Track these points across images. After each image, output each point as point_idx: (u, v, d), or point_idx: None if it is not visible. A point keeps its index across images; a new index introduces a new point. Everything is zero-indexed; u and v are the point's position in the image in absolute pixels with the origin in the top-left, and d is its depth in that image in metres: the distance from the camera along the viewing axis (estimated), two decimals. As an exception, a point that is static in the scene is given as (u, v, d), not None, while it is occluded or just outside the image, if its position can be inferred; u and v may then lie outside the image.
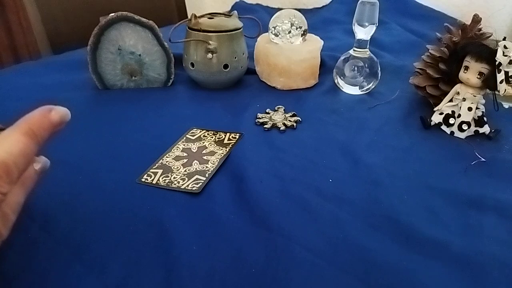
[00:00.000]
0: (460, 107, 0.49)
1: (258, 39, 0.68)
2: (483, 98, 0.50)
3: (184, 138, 0.49)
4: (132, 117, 0.54)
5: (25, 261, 0.30)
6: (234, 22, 0.62)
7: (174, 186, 0.39)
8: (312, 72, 0.66)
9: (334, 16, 1.12)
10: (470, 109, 0.49)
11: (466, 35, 0.54)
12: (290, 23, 0.63)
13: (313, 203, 0.37)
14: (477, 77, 0.47)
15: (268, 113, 0.55)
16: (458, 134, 0.50)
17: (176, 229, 0.33)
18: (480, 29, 0.54)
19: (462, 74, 0.49)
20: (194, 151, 0.46)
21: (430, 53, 0.56)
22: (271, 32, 0.65)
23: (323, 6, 1.23)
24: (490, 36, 0.53)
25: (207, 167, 0.43)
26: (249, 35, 0.66)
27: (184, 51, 0.63)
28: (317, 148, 0.47)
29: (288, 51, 0.63)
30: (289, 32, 0.63)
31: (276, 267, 0.30)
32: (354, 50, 0.61)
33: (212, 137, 0.49)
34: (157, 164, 0.43)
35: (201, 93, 0.63)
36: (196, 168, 0.42)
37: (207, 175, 0.41)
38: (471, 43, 0.49)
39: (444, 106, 0.51)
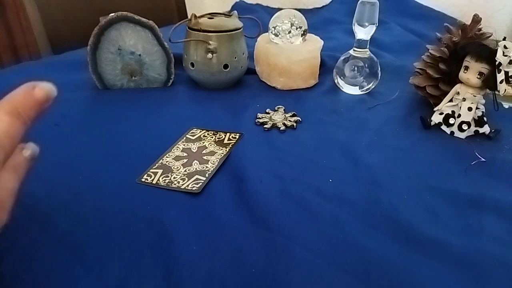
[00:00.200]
0: (460, 107, 0.49)
1: (258, 39, 0.68)
2: (483, 98, 0.50)
3: (184, 138, 0.49)
4: (132, 117, 0.54)
5: (25, 261, 0.30)
6: (234, 22, 0.62)
7: (174, 186, 0.39)
8: (312, 72, 0.66)
9: (334, 16, 1.12)
10: (470, 109, 0.49)
11: (466, 35, 0.54)
12: (290, 23, 0.63)
13: (313, 203, 0.37)
14: (477, 77, 0.47)
15: (268, 113, 0.55)
16: (458, 134, 0.50)
17: (176, 229, 0.33)
18: (480, 29, 0.54)
19: (462, 74, 0.49)
20: (194, 151, 0.46)
21: (430, 53, 0.56)
22: (271, 32, 0.65)
23: (323, 6, 1.23)
24: (490, 36, 0.53)
25: (207, 167, 0.43)
26: (249, 35, 0.66)
27: (184, 51, 0.63)
28: (317, 148, 0.47)
29: (288, 51, 0.63)
30: (289, 32, 0.63)
31: (276, 267, 0.30)
32: (354, 50, 0.61)
33: (212, 137, 0.49)
34: (157, 164, 0.43)
35: (201, 93, 0.63)
36: (196, 168, 0.42)
37: (207, 175, 0.41)
38: (471, 43, 0.49)
39: (444, 106, 0.51)
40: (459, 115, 0.50)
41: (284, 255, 0.31)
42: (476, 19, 0.54)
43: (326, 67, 0.70)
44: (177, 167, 0.42)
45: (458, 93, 0.50)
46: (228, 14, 0.65)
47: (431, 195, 0.39)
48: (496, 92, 0.47)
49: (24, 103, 0.24)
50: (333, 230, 0.34)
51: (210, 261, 0.30)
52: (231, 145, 0.47)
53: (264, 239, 0.33)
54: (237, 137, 0.49)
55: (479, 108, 0.49)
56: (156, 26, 0.60)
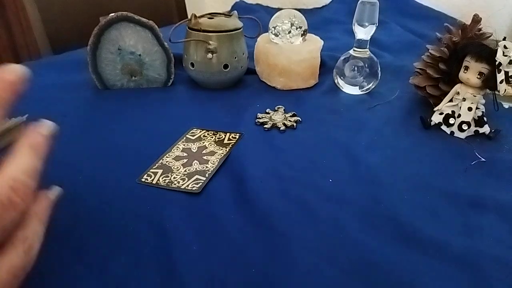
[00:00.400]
0: (460, 107, 0.49)
1: (258, 39, 0.68)
2: (483, 98, 0.50)
3: (184, 138, 0.49)
4: (132, 117, 0.54)
5: (25, 261, 0.30)
6: (234, 22, 0.62)
7: (174, 186, 0.39)
8: (312, 72, 0.66)
9: (334, 16, 1.12)
10: (470, 109, 0.49)
11: (466, 35, 0.54)
12: (290, 23, 0.63)
13: (313, 203, 0.37)
14: (477, 77, 0.47)
15: (268, 113, 0.55)
16: (458, 134, 0.50)
17: (176, 229, 0.33)
18: (480, 29, 0.54)
19: (462, 74, 0.49)
20: (194, 151, 0.46)
21: (430, 53, 0.56)
22: (271, 32, 0.65)
23: (323, 6, 1.23)
24: (490, 36, 0.53)
25: (207, 167, 0.43)
26: (249, 35, 0.66)
27: (184, 51, 0.63)
28: (317, 148, 0.47)
29: (288, 51, 0.63)
30: (289, 32, 0.63)
31: (276, 267, 0.30)
32: (354, 50, 0.61)
33: (212, 137, 0.49)
34: (157, 164, 0.43)
35: (201, 93, 0.63)
36: (196, 168, 0.42)
37: (207, 175, 0.41)
38: (471, 43, 0.49)
39: (444, 106, 0.51)
40: (459, 115, 0.50)
41: (284, 255, 0.31)
42: (476, 19, 0.54)
43: (326, 67, 0.70)
44: (177, 167, 0.42)
45: (458, 93, 0.50)
46: (228, 14, 0.65)
47: (431, 195, 0.39)
48: (496, 92, 0.47)
49: None
50: (333, 230, 0.34)
51: (210, 261, 0.30)
52: (231, 145, 0.47)
53: (264, 239, 0.33)
54: (237, 137, 0.49)
55: (479, 108, 0.49)
56: (156, 26, 0.60)
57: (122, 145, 0.47)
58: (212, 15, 0.63)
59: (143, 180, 0.40)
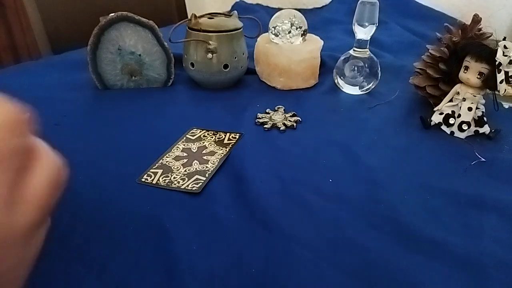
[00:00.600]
0: (460, 107, 0.49)
1: (258, 39, 0.68)
2: (483, 98, 0.50)
3: (184, 138, 0.49)
4: (132, 117, 0.54)
5: (25, 261, 0.30)
6: (234, 22, 0.62)
7: (174, 186, 0.39)
8: (312, 72, 0.66)
9: (334, 16, 1.12)
10: (470, 109, 0.49)
11: (466, 35, 0.54)
12: (290, 23, 0.63)
13: (313, 203, 0.37)
14: (477, 77, 0.47)
15: (268, 113, 0.55)
16: (458, 134, 0.50)
17: (176, 229, 0.33)
18: (480, 29, 0.54)
19: (462, 74, 0.49)
20: (194, 151, 0.46)
21: (430, 53, 0.56)
22: (271, 32, 0.65)
23: (323, 6, 1.24)
24: (490, 36, 0.53)
25: (207, 167, 0.43)
26: (249, 35, 0.66)
27: (184, 51, 0.63)
28: (317, 148, 0.47)
29: (288, 51, 0.63)
30: (289, 32, 0.63)
31: (276, 267, 0.30)
32: (354, 50, 0.61)
33: (212, 137, 0.49)
34: (157, 164, 0.43)
35: (201, 93, 0.63)
36: (196, 168, 0.42)
37: (207, 175, 0.41)
38: (471, 43, 0.49)
39: (444, 106, 0.51)
40: (459, 115, 0.50)
41: (284, 255, 0.31)
42: (476, 19, 0.54)
43: (326, 67, 0.70)
44: (177, 167, 0.42)
45: (458, 93, 0.50)
46: (228, 14, 0.65)
47: (431, 195, 0.39)
48: (496, 92, 0.47)
49: None
50: (333, 230, 0.34)
51: (210, 261, 0.30)
52: (231, 145, 0.47)
53: (264, 239, 0.33)
54: (237, 137, 0.49)
55: (479, 108, 0.49)
56: (156, 26, 0.60)
57: (122, 145, 0.47)
58: (212, 15, 0.63)
59: (143, 180, 0.40)
